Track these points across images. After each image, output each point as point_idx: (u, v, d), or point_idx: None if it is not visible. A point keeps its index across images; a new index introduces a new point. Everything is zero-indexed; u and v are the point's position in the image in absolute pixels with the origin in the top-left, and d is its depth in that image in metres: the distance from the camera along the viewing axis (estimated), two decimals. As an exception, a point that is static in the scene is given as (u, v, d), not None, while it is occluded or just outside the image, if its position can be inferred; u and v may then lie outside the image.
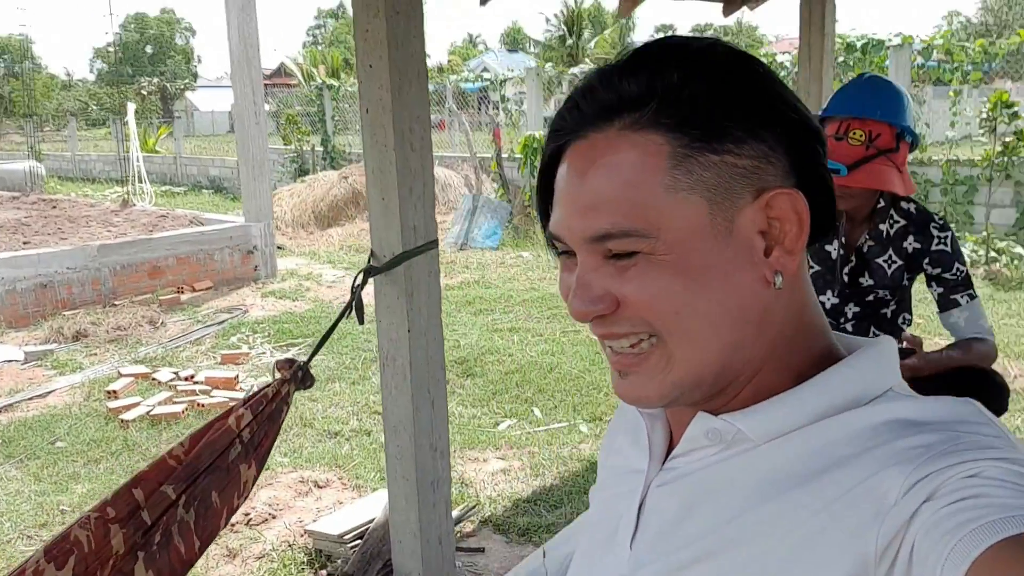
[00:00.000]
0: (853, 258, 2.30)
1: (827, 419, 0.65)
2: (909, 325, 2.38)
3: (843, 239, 2.30)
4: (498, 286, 8.21)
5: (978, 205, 8.65)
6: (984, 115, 8.17)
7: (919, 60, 9.44)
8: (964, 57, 9.10)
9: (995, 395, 1.95)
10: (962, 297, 2.22)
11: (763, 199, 0.65)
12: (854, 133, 2.10)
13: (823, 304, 2.36)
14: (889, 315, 2.35)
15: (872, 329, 2.34)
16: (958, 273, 2.23)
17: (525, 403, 5.02)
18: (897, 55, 9.16)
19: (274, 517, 3.71)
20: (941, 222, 2.24)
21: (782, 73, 9.81)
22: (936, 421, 0.61)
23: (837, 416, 0.65)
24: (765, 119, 0.64)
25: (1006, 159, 8.02)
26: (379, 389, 3.07)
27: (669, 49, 0.65)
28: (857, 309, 2.33)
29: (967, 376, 2.03)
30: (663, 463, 0.74)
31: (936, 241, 2.23)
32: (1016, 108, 8.06)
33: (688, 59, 0.64)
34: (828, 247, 2.32)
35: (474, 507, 3.69)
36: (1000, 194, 8.30)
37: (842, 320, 2.35)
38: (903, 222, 2.27)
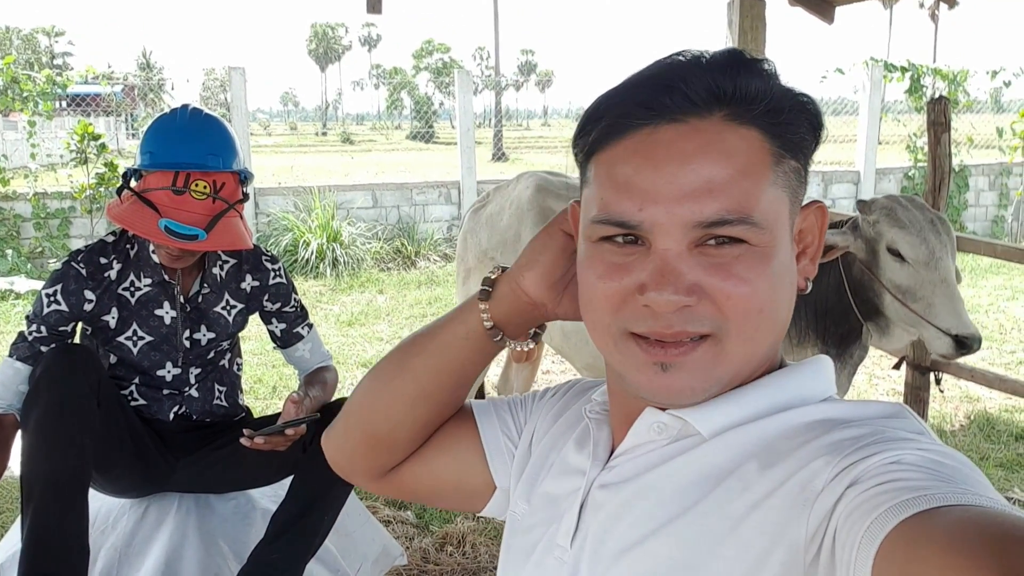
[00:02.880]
0: (190, 316, 2.03)
1: (767, 417, 0.67)
2: (241, 370, 2.23)
3: (180, 299, 2.00)
4: None
5: (75, 238, 8.53)
6: (73, 147, 8.07)
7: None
8: (32, 87, 8.75)
9: None
10: (303, 328, 2.16)
11: (808, 210, 0.70)
12: (196, 184, 1.81)
13: (164, 378, 2.02)
14: (227, 364, 2.16)
15: (216, 387, 2.11)
16: (296, 304, 2.15)
17: None
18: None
19: None
20: (270, 253, 2.10)
21: None
22: (865, 418, 0.65)
23: (776, 415, 0.67)
24: (815, 144, 0.69)
25: (102, 190, 8.09)
26: None
27: (770, 65, 0.67)
28: (199, 370, 2.06)
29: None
30: (605, 464, 0.74)
31: (272, 275, 2.09)
32: (103, 140, 8.22)
33: (780, 79, 0.67)
34: (159, 311, 1.98)
35: None
36: (102, 225, 8.35)
37: (186, 389, 2.05)
38: (233, 260, 2.06)
